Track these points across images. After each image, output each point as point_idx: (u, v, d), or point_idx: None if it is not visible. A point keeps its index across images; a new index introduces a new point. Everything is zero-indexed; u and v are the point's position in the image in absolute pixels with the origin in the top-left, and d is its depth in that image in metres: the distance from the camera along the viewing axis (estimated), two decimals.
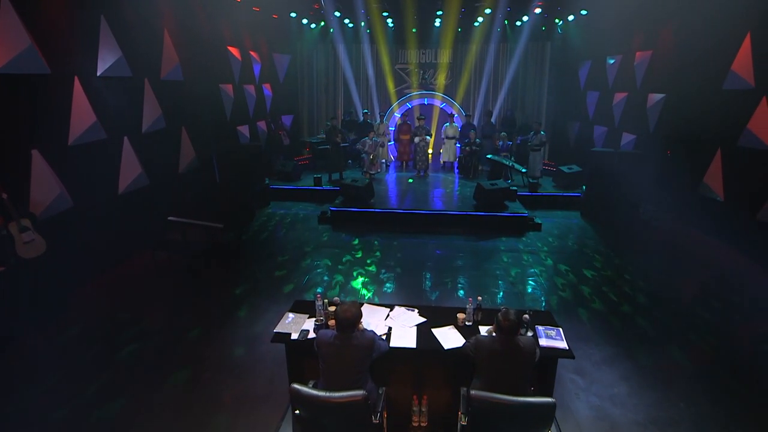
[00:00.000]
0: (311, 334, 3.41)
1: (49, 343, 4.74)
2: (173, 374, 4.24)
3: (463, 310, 3.62)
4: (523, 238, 8.06)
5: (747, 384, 4.16)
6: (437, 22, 12.97)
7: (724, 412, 3.80)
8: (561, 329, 3.47)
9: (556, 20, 13.06)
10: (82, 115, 6.02)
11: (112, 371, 4.28)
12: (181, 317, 5.28)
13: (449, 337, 3.38)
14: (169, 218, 6.79)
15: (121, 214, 6.69)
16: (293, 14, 12.24)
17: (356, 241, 7.85)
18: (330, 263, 6.90)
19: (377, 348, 3.00)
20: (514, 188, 9.48)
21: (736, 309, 5.58)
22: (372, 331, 3.22)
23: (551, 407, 2.47)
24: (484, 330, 3.44)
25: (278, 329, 3.50)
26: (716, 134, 7.80)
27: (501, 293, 5.97)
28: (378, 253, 7.28)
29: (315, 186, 10.54)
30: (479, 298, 3.64)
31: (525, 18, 12.65)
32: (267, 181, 10.48)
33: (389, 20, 12.99)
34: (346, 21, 13.23)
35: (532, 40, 13.51)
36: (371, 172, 11.13)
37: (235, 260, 6.96)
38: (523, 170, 10.57)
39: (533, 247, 7.65)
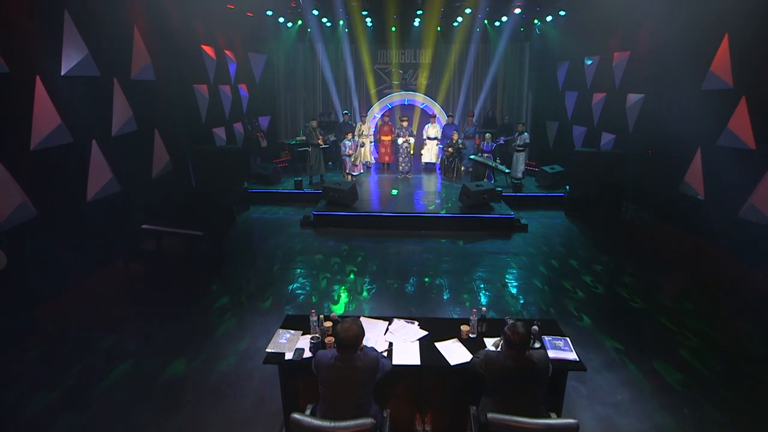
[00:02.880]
0: (307, 353, 3.17)
1: (10, 369, 4.32)
2: (153, 397, 3.92)
3: (467, 322, 3.45)
4: (510, 240, 7.98)
5: (746, 384, 4.14)
6: (416, 22, 12.83)
7: (727, 414, 3.76)
8: (568, 339, 3.34)
9: (535, 21, 13.12)
10: (45, 117, 5.57)
11: (84, 395, 3.92)
12: (158, 334, 4.93)
13: (454, 352, 3.19)
14: (143, 226, 6.42)
15: (91, 224, 6.25)
16: (269, 12, 11.87)
17: (341, 246, 7.61)
18: (315, 270, 6.63)
19: (381, 368, 2.80)
20: (499, 189, 9.41)
21: (728, 308, 5.60)
22: (373, 348, 3.01)
23: (574, 429, 2.31)
24: (490, 343, 3.28)
25: (271, 349, 3.24)
26: (696, 133, 7.90)
27: (494, 299, 5.84)
28: (364, 259, 7.06)
29: (296, 189, 10.23)
30: (483, 308, 3.47)
31: (504, 18, 12.66)
32: (246, 185, 10.11)
33: (368, 20, 12.77)
34: (324, 20, 12.94)
35: (511, 41, 13.55)
36: (354, 174, 10.92)
37: (215, 270, 6.60)
38: (507, 170, 10.54)
39: (521, 249, 7.56)
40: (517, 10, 11.79)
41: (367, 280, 6.31)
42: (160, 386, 4.07)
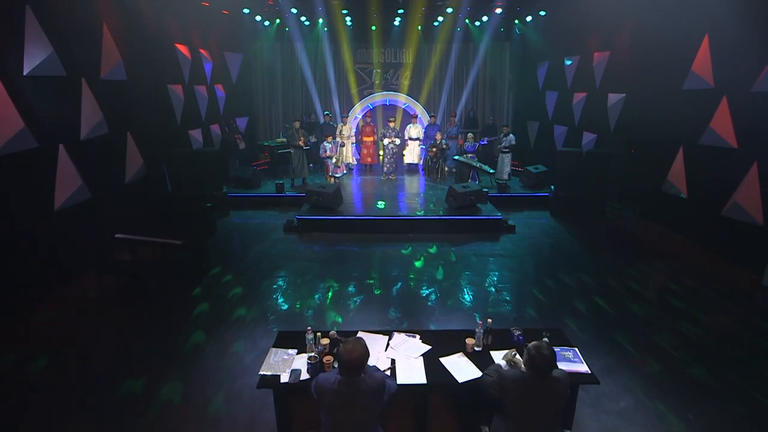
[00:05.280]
0: (304, 375, 2.94)
1: None
2: (133, 425, 3.61)
3: (471, 334, 3.29)
4: (499, 242, 7.88)
5: (745, 383, 4.12)
6: (397, 21, 12.67)
7: (730, 417, 3.71)
8: (577, 349, 3.21)
9: (516, 21, 13.14)
10: (6, 120, 5.13)
11: (57, 425, 3.59)
12: (135, 353, 4.59)
13: (461, 368, 3.02)
14: (117, 236, 6.02)
15: (59, 234, 5.83)
16: (246, 10, 11.50)
17: (326, 252, 7.37)
18: (300, 278, 6.36)
19: (388, 390, 2.59)
20: (485, 190, 9.33)
21: (719, 307, 5.62)
22: (376, 367, 2.80)
23: None
24: (497, 356, 3.12)
25: (264, 371, 3.00)
26: (678, 133, 7.99)
27: (488, 305, 5.70)
28: (350, 264, 6.84)
29: (277, 193, 9.91)
30: (489, 320, 3.31)
31: (485, 18, 12.63)
32: (225, 189, 9.73)
33: (348, 18, 12.54)
34: (303, 18, 12.64)
35: (492, 41, 13.55)
36: (336, 176, 10.69)
37: (195, 280, 6.26)
38: (491, 171, 10.48)
39: (511, 251, 7.47)
40: (498, 10, 11.77)
41: (355, 287, 6.09)
42: (139, 410, 3.76)
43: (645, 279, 6.45)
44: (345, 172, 11.36)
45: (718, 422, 3.68)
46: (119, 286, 5.97)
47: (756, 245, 6.37)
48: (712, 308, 5.56)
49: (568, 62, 11.49)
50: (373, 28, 13.00)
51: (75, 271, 6.11)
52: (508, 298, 5.87)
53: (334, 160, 10.58)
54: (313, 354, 3.02)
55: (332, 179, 10.52)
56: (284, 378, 2.92)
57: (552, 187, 9.77)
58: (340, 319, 5.28)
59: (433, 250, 7.43)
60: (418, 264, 6.89)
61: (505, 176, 10.62)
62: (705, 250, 7.24)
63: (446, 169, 11.52)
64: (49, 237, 5.69)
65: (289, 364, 3.04)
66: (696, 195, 7.70)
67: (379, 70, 13.99)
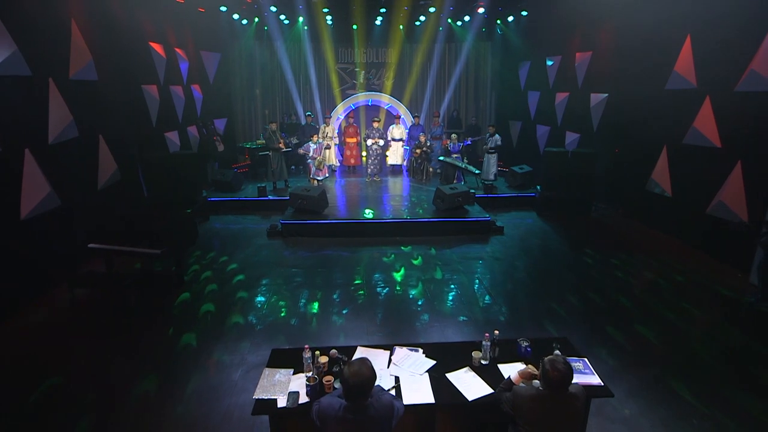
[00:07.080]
0: (303, 398, 2.73)
1: None
2: None
3: (476, 346, 3.13)
4: (488, 244, 7.79)
5: (743, 383, 4.10)
6: (378, 20, 12.50)
7: (733, 419, 3.67)
8: (587, 359, 3.09)
9: (498, 21, 13.14)
10: None
11: None
12: (114, 372, 4.28)
13: (470, 384, 2.85)
14: (90, 245, 5.66)
15: (26, 244, 5.45)
16: (223, 8, 11.13)
17: (312, 257, 7.14)
18: (285, 286, 6.10)
19: (396, 413, 2.40)
20: (472, 191, 9.24)
21: (712, 305, 5.63)
22: (381, 387, 2.61)
23: None
24: (505, 369, 2.97)
25: (259, 394, 2.77)
26: (661, 132, 8.05)
27: (483, 311, 5.58)
28: (338, 270, 6.62)
29: (259, 196, 9.60)
30: (496, 332, 3.16)
31: (467, 18, 12.58)
32: (204, 193, 9.37)
33: (329, 17, 12.30)
34: (282, 17, 12.34)
35: (474, 41, 13.53)
36: (317, 178, 10.43)
37: (176, 291, 5.93)
38: (477, 171, 10.41)
39: (502, 253, 7.38)
40: (480, 10, 11.73)
41: (344, 294, 5.88)
42: None
43: (635, 278, 6.44)
44: (327, 175, 11.11)
45: (720, 425, 3.63)
46: (93, 299, 5.61)
47: (741, 243, 6.43)
48: (704, 307, 5.57)
49: (550, 62, 11.52)
50: (355, 27, 12.80)
51: (44, 284, 5.71)
52: (500, 302, 5.76)
53: (316, 163, 10.32)
54: (311, 375, 2.81)
55: (314, 182, 10.27)
56: (281, 402, 2.70)
57: (538, 187, 9.76)
58: (333, 328, 5.07)
59: (421, 254, 7.28)
60: (406, 268, 6.72)
61: (492, 177, 10.57)
62: (690, 249, 7.30)
63: (431, 170, 11.40)
64: (15, 248, 5.29)
65: (285, 386, 2.82)
66: (680, 194, 7.77)
67: (362, 71, 13.79)
